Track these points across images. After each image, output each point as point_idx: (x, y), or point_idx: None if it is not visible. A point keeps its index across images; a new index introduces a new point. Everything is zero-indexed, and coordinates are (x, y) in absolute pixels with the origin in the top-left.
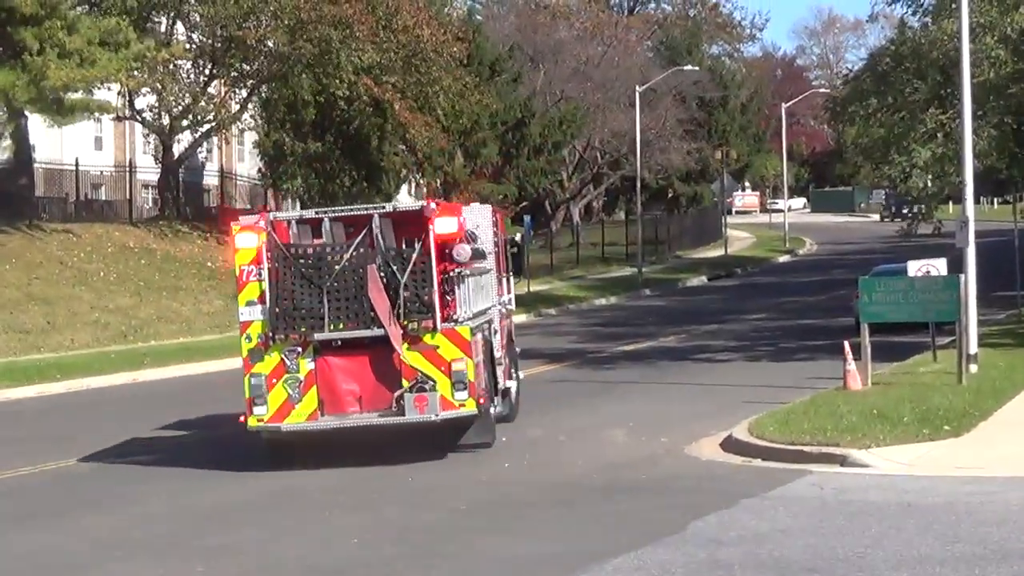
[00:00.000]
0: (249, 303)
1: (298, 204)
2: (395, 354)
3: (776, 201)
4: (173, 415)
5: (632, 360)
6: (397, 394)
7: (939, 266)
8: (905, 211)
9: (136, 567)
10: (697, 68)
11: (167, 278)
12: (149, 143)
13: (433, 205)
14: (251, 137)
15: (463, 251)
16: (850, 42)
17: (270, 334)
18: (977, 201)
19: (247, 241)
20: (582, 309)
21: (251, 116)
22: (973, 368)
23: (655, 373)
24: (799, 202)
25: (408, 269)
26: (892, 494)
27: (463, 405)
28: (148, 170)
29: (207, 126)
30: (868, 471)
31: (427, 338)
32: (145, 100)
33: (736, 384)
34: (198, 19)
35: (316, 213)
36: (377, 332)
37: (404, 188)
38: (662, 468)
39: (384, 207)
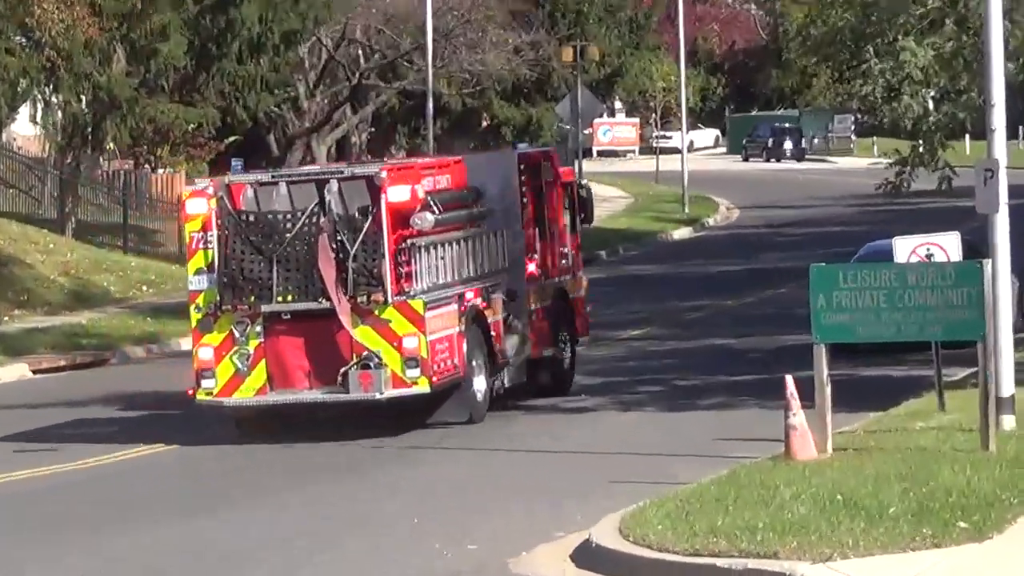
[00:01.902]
0: (198, 272)
1: None
2: (343, 329)
3: (667, 135)
4: None
5: None
6: (342, 370)
7: (948, 246)
8: (787, 146)
9: None
10: None
11: None
12: None
13: (384, 173)
14: None
15: (424, 219)
16: None
17: (217, 304)
18: (1013, 135)
19: (196, 207)
20: None
21: None
22: (1008, 422)
23: (465, 430)
24: (708, 136)
25: (359, 239)
26: None
27: (415, 383)
28: None
29: None
30: None
31: (378, 312)
32: None
33: (599, 449)
34: None
35: (272, 176)
36: (325, 305)
37: (25, 110)
38: None
39: (342, 171)
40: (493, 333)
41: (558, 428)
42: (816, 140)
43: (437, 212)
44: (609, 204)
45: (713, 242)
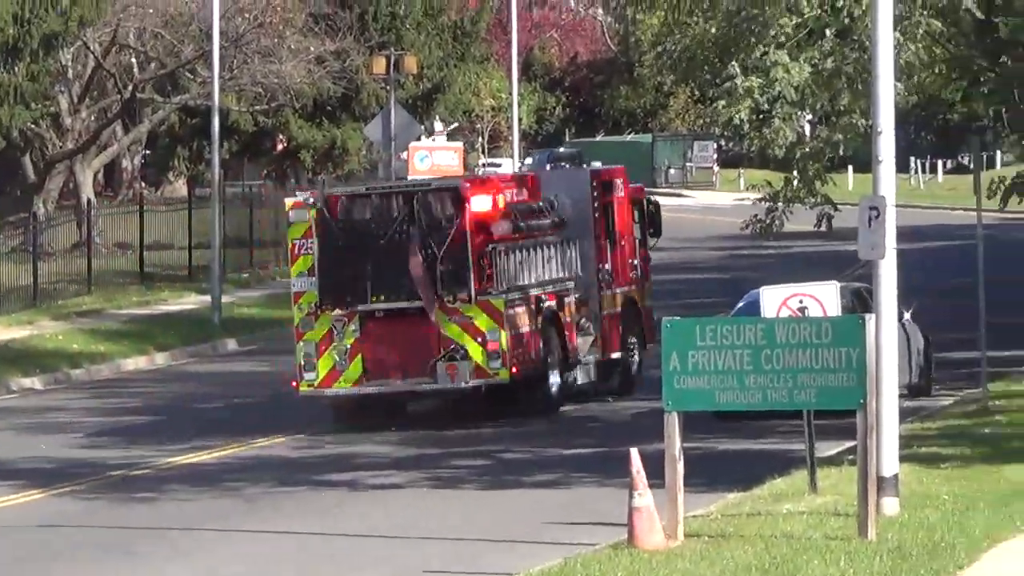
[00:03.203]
0: (300, 275)
1: None
2: (432, 325)
3: (496, 162)
4: None
5: (196, 483)
6: (431, 363)
7: (824, 298)
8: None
9: None
10: None
11: None
12: None
13: (467, 184)
14: None
15: (503, 226)
16: None
17: (318, 304)
18: (903, 168)
19: (299, 216)
20: (100, 380)
21: None
22: (890, 505)
23: (237, 511)
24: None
25: (445, 245)
26: None
27: (496, 374)
28: None
29: None
30: None
31: (463, 310)
32: None
33: (408, 533)
34: None
35: (366, 189)
36: (415, 304)
37: None
38: None
39: (429, 183)
40: (567, 333)
41: (359, 508)
42: (672, 171)
43: (514, 221)
44: None
45: None
